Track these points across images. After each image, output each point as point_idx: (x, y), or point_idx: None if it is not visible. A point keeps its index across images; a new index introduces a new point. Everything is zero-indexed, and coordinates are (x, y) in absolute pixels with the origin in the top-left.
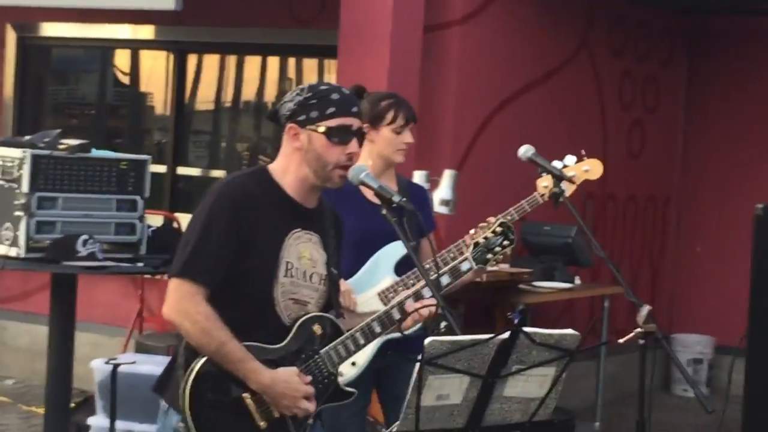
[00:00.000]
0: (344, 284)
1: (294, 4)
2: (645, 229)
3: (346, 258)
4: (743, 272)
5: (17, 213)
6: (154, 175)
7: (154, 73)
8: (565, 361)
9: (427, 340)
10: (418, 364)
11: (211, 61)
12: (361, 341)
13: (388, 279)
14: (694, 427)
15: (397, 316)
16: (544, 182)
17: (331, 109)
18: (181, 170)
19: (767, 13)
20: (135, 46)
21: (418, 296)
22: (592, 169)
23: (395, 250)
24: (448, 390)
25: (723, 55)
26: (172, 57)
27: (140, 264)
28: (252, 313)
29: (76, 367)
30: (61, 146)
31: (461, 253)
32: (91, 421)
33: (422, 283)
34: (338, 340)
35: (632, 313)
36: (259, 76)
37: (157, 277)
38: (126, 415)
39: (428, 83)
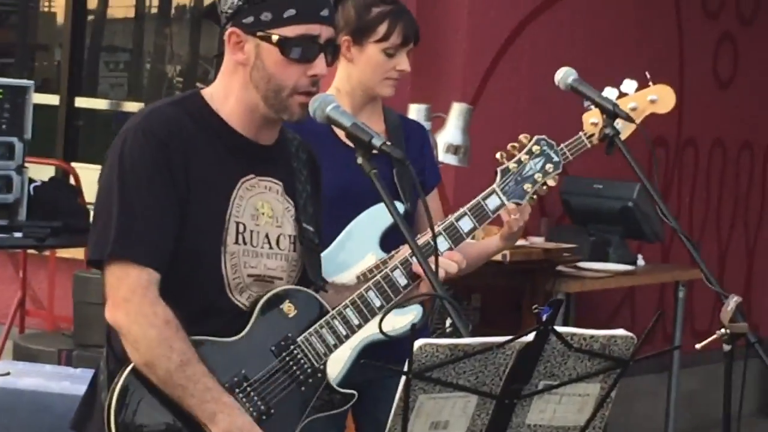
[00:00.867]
0: None
1: None
2: (737, 188)
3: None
4: None
5: None
6: (43, 108)
7: None
8: (615, 374)
9: (417, 344)
10: (403, 378)
11: None
12: (354, 321)
13: (371, 256)
14: None
15: (402, 281)
16: (593, 118)
17: (290, 11)
18: (81, 102)
19: None
20: None
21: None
22: (660, 98)
23: (380, 215)
24: (447, 415)
25: None
26: None
27: (18, 234)
28: (194, 299)
29: None
30: None
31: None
32: None
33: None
34: (322, 321)
35: (719, 307)
36: None
37: (46, 253)
38: None
39: None
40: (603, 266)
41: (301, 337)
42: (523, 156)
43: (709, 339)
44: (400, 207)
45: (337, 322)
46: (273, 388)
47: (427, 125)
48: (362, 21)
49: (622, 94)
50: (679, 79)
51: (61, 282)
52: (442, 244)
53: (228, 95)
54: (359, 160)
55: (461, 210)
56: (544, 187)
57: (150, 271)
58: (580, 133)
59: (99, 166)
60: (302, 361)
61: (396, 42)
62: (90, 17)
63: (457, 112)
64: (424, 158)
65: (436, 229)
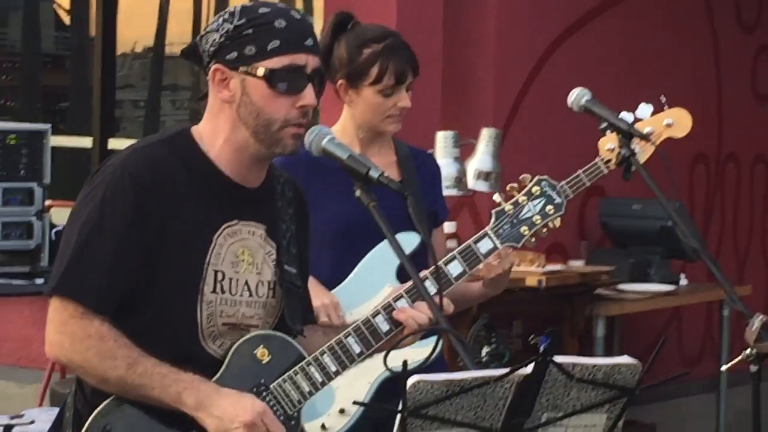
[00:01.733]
0: (328, 296)
1: None
2: None
3: (326, 259)
4: None
5: None
6: (79, 151)
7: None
8: (621, 403)
9: (411, 381)
10: (398, 417)
11: None
12: (332, 367)
13: (388, 288)
14: None
15: (384, 327)
16: (609, 143)
17: (275, 43)
18: (115, 143)
19: None
20: None
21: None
22: (676, 122)
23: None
24: None
25: None
26: None
27: (39, 281)
28: (167, 350)
29: None
30: None
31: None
32: None
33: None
34: (296, 367)
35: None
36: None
37: None
38: None
39: (459, 9)
40: (643, 287)
41: (274, 384)
42: (521, 197)
43: (735, 360)
44: (416, 237)
45: (313, 369)
46: None
47: (455, 152)
48: (354, 64)
49: (637, 120)
50: (716, 95)
51: None
52: (429, 288)
53: (216, 136)
54: (357, 193)
55: (451, 253)
56: (545, 230)
57: (88, 308)
58: (597, 159)
59: None
60: (275, 408)
61: (389, 83)
62: (119, 57)
63: (486, 137)
64: (435, 190)
65: (422, 273)
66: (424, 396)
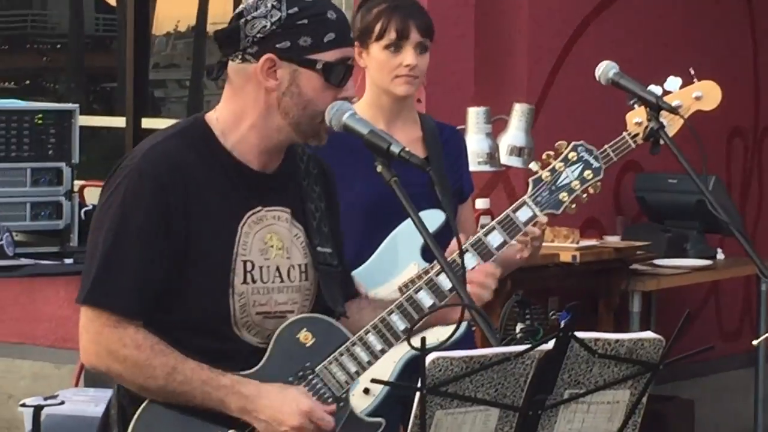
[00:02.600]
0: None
1: None
2: None
3: (351, 237)
4: None
5: None
6: (113, 131)
7: None
8: (645, 379)
9: (429, 358)
10: (417, 395)
11: None
12: (377, 346)
13: (414, 266)
14: None
15: (428, 301)
16: (637, 117)
17: (330, 35)
18: (149, 122)
19: None
20: None
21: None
22: (705, 94)
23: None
24: (467, 430)
25: None
26: None
27: (69, 261)
28: (202, 344)
29: (9, 410)
30: None
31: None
32: None
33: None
34: (341, 348)
35: None
36: None
37: None
38: None
39: None
40: (680, 262)
41: (320, 366)
42: (557, 164)
43: (765, 336)
44: (440, 214)
45: (358, 349)
46: None
47: (487, 128)
48: (362, 24)
49: (666, 92)
50: (753, 68)
51: None
52: (470, 260)
53: (240, 121)
54: (378, 168)
55: (490, 224)
56: (584, 196)
57: (120, 317)
58: (624, 133)
59: None
60: (322, 391)
61: (392, 37)
62: (162, 36)
63: (518, 113)
64: (461, 165)
65: (464, 245)
66: (444, 373)
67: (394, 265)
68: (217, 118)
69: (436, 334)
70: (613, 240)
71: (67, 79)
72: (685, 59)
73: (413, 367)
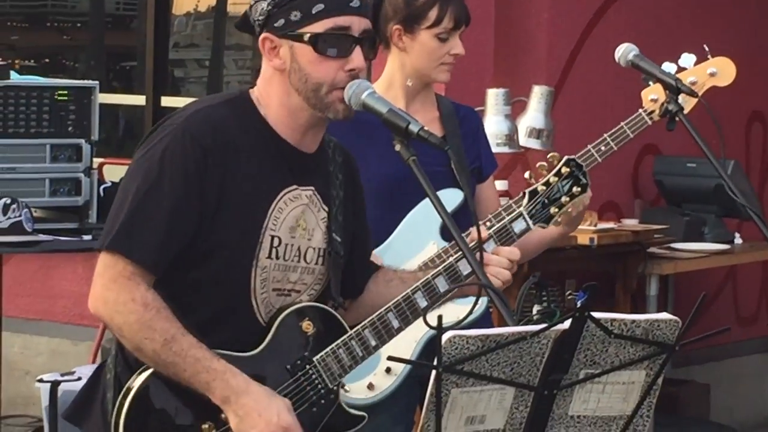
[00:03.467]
0: (374, 257)
1: None
2: None
3: (370, 216)
4: None
5: None
6: (132, 108)
7: None
8: (660, 360)
9: (446, 336)
10: (433, 373)
11: None
12: (372, 342)
13: (433, 245)
14: None
15: (422, 302)
16: (652, 94)
17: (319, 6)
18: (168, 101)
19: None
20: None
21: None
22: (720, 71)
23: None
24: (482, 409)
25: None
26: None
27: (87, 237)
28: (214, 311)
29: (26, 386)
30: None
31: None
32: None
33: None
34: (339, 341)
35: None
36: None
37: None
38: None
39: None
40: (698, 246)
41: (317, 357)
42: (551, 177)
43: None
44: (459, 194)
45: (354, 343)
46: None
47: (506, 110)
48: (412, 8)
49: (680, 69)
50: None
51: None
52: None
53: (271, 101)
54: (397, 147)
55: (488, 233)
56: (569, 210)
57: (138, 266)
58: (640, 110)
59: None
60: (316, 381)
61: (448, 26)
62: (182, 16)
63: (538, 95)
64: (479, 144)
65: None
66: (460, 352)
67: (414, 244)
68: (257, 95)
69: (455, 312)
70: (631, 223)
71: (87, 58)
72: (705, 42)
73: (433, 346)
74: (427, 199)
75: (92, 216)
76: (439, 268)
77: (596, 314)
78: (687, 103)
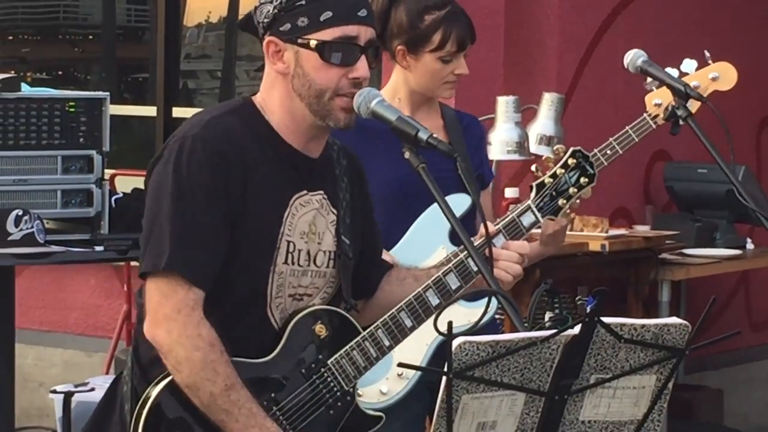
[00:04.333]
0: (388, 256)
1: None
2: None
3: (378, 223)
4: None
5: None
6: (144, 120)
7: None
8: (671, 364)
9: (456, 342)
10: (444, 379)
11: None
12: (385, 342)
13: (442, 250)
14: None
15: (435, 300)
16: (656, 98)
17: (327, 14)
18: (180, 112)
19: None
20: None
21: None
22: (722, 75)
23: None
24: (494, 415)
25: None
26: None
27: (99, 248)
28: (230, 316)
29: (40, 398)
30: None
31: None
32: None
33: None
34: (353, 342)
35: None
36: None
37: None
38: None
39: None
40: (709, 252)
41: (331, 360)
42: (558, 170)
43: None
44: (467, 199)
45: (368, 344)
46: (302, 413)
47: (517, 117)
48: (416, 31)
49: (682, 74)
50: None
51: None
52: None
53: (274, 106)
54: (406, 155)
55: (496, 227)
56: (578, 201)
57: (197, 290)
58: (645, 115)
59: None
60: (332, 384)
61: (452, 50)
62: (194, 27)
63: (548, 102)
64: (481, 153)
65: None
66: (470, 357)
67: (423, 249)
68: (260, 102)
69: (465, 317)
70: (643, 229)
71: (99, 70)
72: (715, 49)
73: (444, 352)
74: (435, 205)
75: (104, 227)
76: (449, 265)
77: (606, 319)
78: (691, 106)
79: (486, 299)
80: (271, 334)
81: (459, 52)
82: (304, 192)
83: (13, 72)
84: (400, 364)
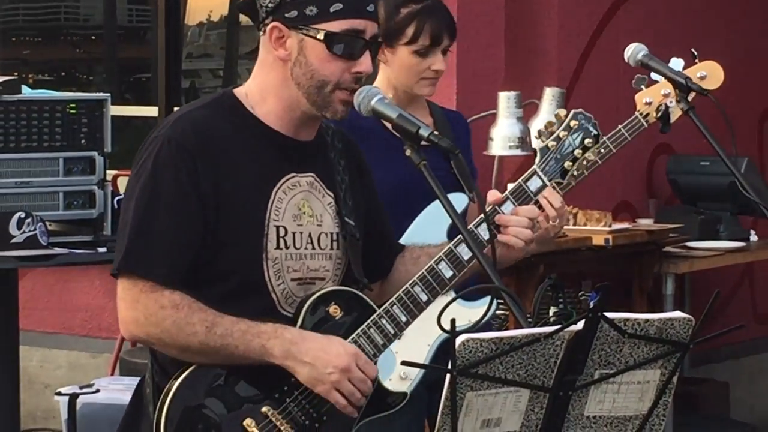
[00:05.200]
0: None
1: None
2: None
3: None
4: None
5: None
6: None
7: None
8: (675, 359)
9: (459, 339)
10: (448, 376)
11: None
12: (402, 318)
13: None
14: None
15: (448, 273)
16: (647, 97)
17: (337, 6)
18: None
19: None
20: None
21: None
22: (709, 74)
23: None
24: (498, 412)
25: None
26: None
27: (102, 249)
28: (234, 308)
29: (46, 400)
30: None
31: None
32: None
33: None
34: (369, 321)
35: None
36: None
37: None
38: None
39: None
40: (713, 245)
41: (349, 339)
42: (561, 132)
43: None
44: (464, 198)
45: (384, 321)
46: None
47: (518, 112)
48: (390, 23)
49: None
50: None
51: None
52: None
53: (266, 93)
54: (408, 152)
55: (504, 194)
56: (584, 164)
57: (156, 284)
58: (636, 113)
59: None
60: None
61: (425, 43)
62: (195, 26)
63: (549, 97)
64: (468, 150)
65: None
66: (474, 355)
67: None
68: (245, 93)
69: (466, 315)
70: (646, 223)
71: (101, 70)
72: (716, 42)
73: (446, 350)
74: (435, 202)
75: (107, 228)
76: (460, 236)
77: (609, 314)
78: (677, 106)
79: (487, 297)
80: (283, 322)
81: (434, 47)
82: (293, 174)
83: (15, 74)
84: (404, 363)
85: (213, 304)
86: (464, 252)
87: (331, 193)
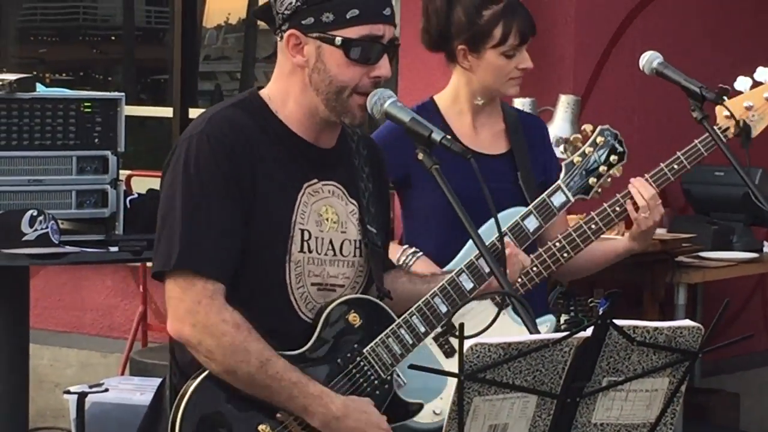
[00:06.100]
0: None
1: None
2: None
3: (430, 238)
4: None
5: None
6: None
7: None
8: (684, 367)
9: (468, 344)
10: (456, 381)
11: None
12: (421, 328)
13: None
14: None
15: (469, 285)
16: (727, 111)
17: (353, 12)
18: (195, 113)
19: None
20: None
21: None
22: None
23: (507, 220)
24: (505, 417)
25: None
26: None
27: (114, 249)
28: (252, 308)
29: (56, 398)
30: None
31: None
32: None
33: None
34: (388, 330)
35: None
36: None
37: None
38: None
39: None
40: (726, 255)
41: (367, 348)
42: (587, 148)
43: None
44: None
45: (403, 331)
46: None
47: None
48: (476, 27)
49: (735, 92)
50: None
51: None
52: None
53: (286, 98)
54: (420, 156)
55: (527, 209)
56: (609, 180)
57: (214, 281)
58: (715, 127)
59: None
60: (369, 372)
61: (514, 43)
62: (213, 29)
63: (564, 104)
64: (545, 156)
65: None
66: (482, 360)
67: None
68: (268, 95)
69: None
70: (659, 232)
71: (119, 71)
72: (732, 51)
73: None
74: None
75: (119, 228)
76: (481, 249)
77: (619, 321)
78: (758, 124)
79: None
80: (302, 327)
81: (521, 46)
82: (315, 181)
83: (34, 72)
84: (412, 366)
85: (233, 302)
86: (483, 266)
87: (354, 202)
